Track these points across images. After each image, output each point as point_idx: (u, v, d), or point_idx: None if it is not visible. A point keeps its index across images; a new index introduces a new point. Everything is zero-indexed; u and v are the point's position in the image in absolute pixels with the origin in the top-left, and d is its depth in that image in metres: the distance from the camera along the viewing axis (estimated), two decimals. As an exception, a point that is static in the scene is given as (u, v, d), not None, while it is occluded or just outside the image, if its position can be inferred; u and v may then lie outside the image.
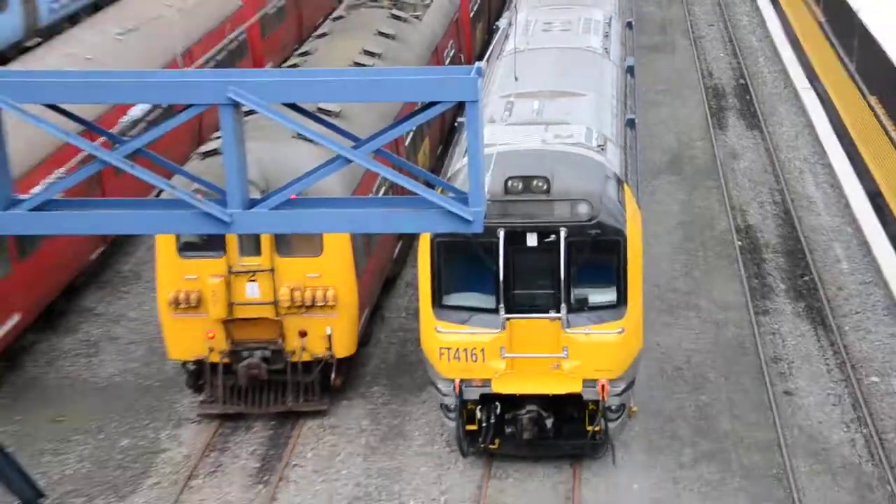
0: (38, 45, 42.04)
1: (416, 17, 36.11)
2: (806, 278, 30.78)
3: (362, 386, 26.49)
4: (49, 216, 16.38)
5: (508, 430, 22.86)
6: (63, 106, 16.14)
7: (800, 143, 40.06)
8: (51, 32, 45.95)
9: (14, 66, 32.98)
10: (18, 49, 44.90)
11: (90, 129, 17.15)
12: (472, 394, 22.58)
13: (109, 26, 36.47)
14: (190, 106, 16.61)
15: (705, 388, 26.00)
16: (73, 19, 48.87)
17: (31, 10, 47.51)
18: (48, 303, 28.93)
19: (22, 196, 16.09)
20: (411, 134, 30.69)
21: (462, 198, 15.43)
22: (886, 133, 36.85)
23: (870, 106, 39.56)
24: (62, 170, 25.83)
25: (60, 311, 29.86)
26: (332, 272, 24.51)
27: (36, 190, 16.33)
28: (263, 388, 25.21)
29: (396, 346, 27.99)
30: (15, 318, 26.66)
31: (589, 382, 22.23)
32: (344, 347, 25.05)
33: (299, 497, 22.85)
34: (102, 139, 17.49)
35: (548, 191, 21.98)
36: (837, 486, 22.48)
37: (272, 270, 24.35)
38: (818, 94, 42.71)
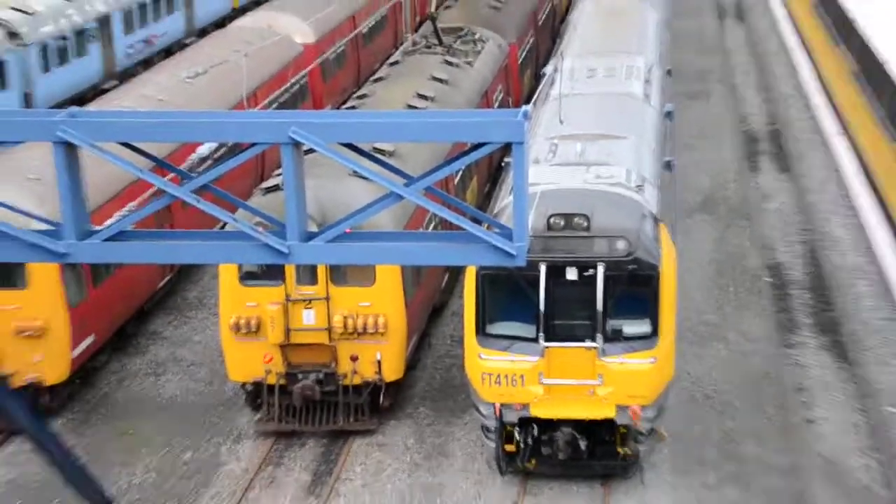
0: (115, 87, 42.80)
1: (468, 63, 36.46)
2: (830, 314, 30.92)
3: (409, 407, 26.78)
4: (122, 246, 16.94)
5: (545, 450, 23.07)
6: (136, 144, 16.79)
7: (828, 186, 40.15)
8: (126, 76, 46.66)
9: (92, 107, 33.39)
10: (96, 91, 45.72)
11: (160, 165, 17.70)
12: (512, 416, 22.82)
13: (180, 70, 36.78)
14: (254, 144, 17.31)
15: (731, 414, 26.15)
16: (146, 63, 49.49)
17: (108, 55, 48.32)
18: (120, 326, 29.35)
19: (97, 227, 16.74)
20: (461, 172, 30.91)
21: (507, 233, 15.94)
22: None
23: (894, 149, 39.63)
24: (134, 203, 26.18)
25: (131, 333, 30.31)
26: (382, 301, 24.77)
27: (110, 222, 16.86)
28: (316, 408, 25.48)
29: (442, 371, 28.28)
30: (89, 340, 27.05)
31: (622, 408, 22.43)
32: (392, 372, 25.30)
33: (351, 512, 23.22)
34: (172, 175, 18.04)
35: (588, 228, 22.22)
36: (855, 510, 22.76)
37: (327, 299, 24.64)
38: (847, 142, 42.78)
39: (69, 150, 15.80)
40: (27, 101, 43.14)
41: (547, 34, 51.63)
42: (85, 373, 27.81)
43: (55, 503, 23.51)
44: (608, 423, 22.86)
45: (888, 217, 35.17)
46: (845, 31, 49.84)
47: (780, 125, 47.40)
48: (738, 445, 25.02)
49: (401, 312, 25.19)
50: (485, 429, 23.49)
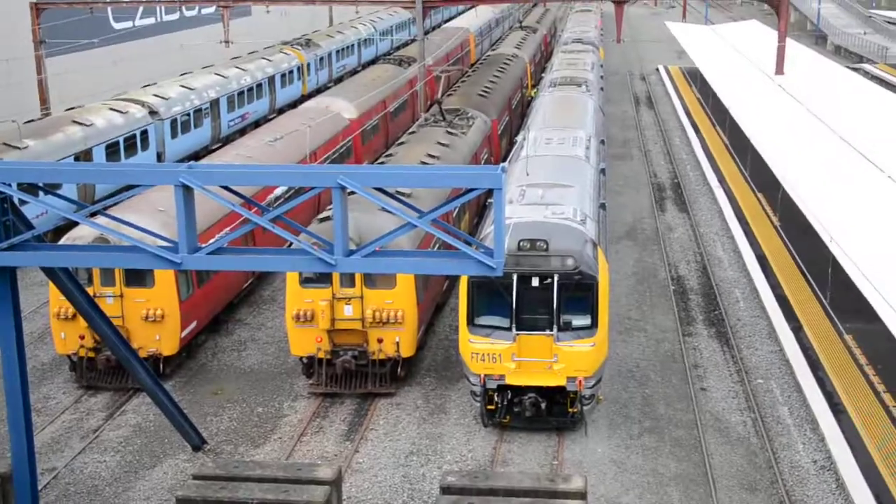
0: (219, 148, 42.78)
1: (463, 133, 36.26)
2: (716, 312, 30.59)
3: (418, 377, 26.36)
4: (219, 258, 16.57)
5: (516, 409, 22.93)
6: (232, 187, 16.37)
7: (714, 224, 39.81)
8: (228, 140, 46.71)
9: (203, 162, 33.55)
10: (207, 150, 45.93)
11: (248, 202, 17.33)
12: (492, 384, 22.67)
13: (264, 136, 36.87)
14: (313, 188, 16.82)
15: (648, 384, 25.85)
16: (241, 132, 49.69)
17: (216, 126, 48.71)
18: (215, 315, 29.12)
19: (203, 245, 16.27)
20: (457, 209, 30.39)
21: (489, 252, 15.53)
22: (768, 216, 36.88)
23: (757, 198, 39.78)
24: (228, 228, 26.00)
25: (222, 320, 30.01)
26: (401, 300, 24.56)
27: (211, 241, 16.43)
28: (352, 376, 25.18)
29: (443, 350, 27.83)
30: (193, 325, 26.89)
31: (571, 379, 22.32)
32: (407, 350, 25.06)
33: (374, 451, 22.74)
34: (255, 209, 17.64)
35: (546, 249, 22.12)
36: (734, 453, 22.34)
37: (361, 298, 24.39)
38: (725, 190, 42.71)
39: (187, 191, 15.64)
40: (159, 157, 43.34)
41: (518, 114, 51.75)
42: (189, 348, 27.60)
43: (165, 441, 23.16)
44: (561, 390, 22.71)
45: (752, 243, 35.15)
46: (721, 116, 49.96)
47: (679, 179, 47.33)
48: (653, 407, 24.73)
49: (414, 308, 24.94)
50: (473, 393, 23.40)
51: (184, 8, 68.58)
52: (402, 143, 35.12)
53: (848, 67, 65.55)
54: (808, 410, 23.77)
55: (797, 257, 32.40)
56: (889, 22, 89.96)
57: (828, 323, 27.26)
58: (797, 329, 27.62)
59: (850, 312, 25.71)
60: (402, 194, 22.70)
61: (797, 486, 20.93)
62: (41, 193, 17.69)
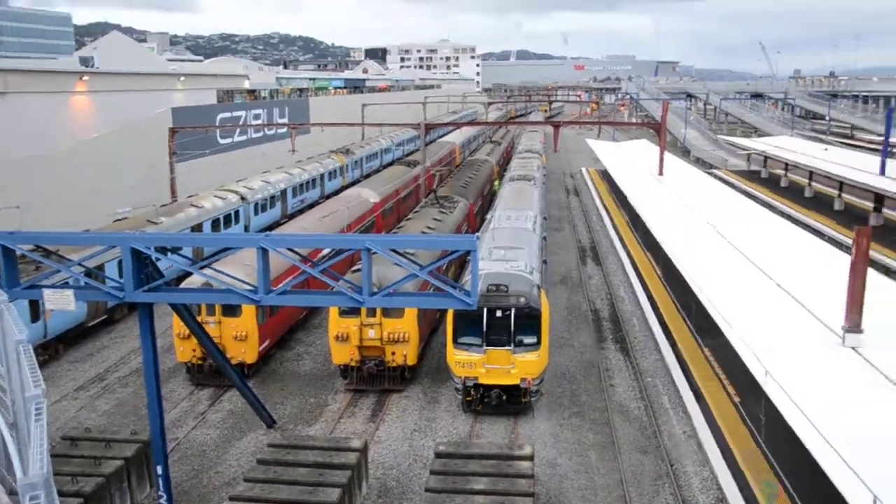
0: (285, 223, 42.77)
1: (451, 211, 36.22)
2: (620, 333, 30.44)
3: (420, 378, 26.12)
4: (285, 297, 16.54)
5: (485, 400, 22.65)
6: (294, 249, 16.40)
7: (619, 274, 39.70)
8: (291, 217, 46.77)
9: (275, 232, 33.25)
10: (277, 224, 46.16)
11: (305, 259, 17.30)
12: (470, 383, 22.42)
13: (316, 214, 36.77)
14: (349, 249, 16.83)
15: (574, 382, 25.68)
16: (301, 211, 49.68)
17: (284, 207, 48.64)
18: (281, 335, 28.85)
19: (274, 288, 16.25)
20: (447, 264, 30.27)
21: (468, 293, 15.50)
22: (653, 268, 36.88)
23: (647, 256, 39.81)
24: (291, 276, 25.88)
25: (286, 339, 29.77)
26: (407, 326, 24.25)
27: (280, 285, 16.42)
28: (374, 378, 24.86)
29: (436, 360, 27.54)
30: (267, 342, 26.66)
31: (523, 379, 22.09)
32: (411, 360, 24.71)
33: (389, 428, 22.51)
34: (310, 263, 17.60)
35: (507, 291, 22.00)
36: (632, 428, 22.25)
37: (380, 324, 24.13)
38: (627, 253, 42.67)
39: (264, 252, 15.52)
40: (246, 229, 43.10)
41: (488, 199, 51.62)
42: (264, 358, 27.38)
43: (249, 421, 22.96)
44: (516, 387, 22.46)
45: (643, 287, 35.09)
46: (622, 202, 50.11)
47: (595, 244, 47.31)
48: (578, 398, 24.58)
49: (416, 331, 24.68)
50: (456, 389, 23.09)
51: (265, 129, 69.21)
52: (409, 218, 35.11)
53: (704, 171, 66.15)
54: (679, 398, 23.79)
55: (672, 296, 32.52)
56: (728, 143, 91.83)
57: (692, 340, 27.36)
58: (673, 344, 27.62)
59: (706, 332, 25.74)
60: (409, 254, 22.77)
61: (673, 448, 20.94)
62: (169, 253, 17.73)
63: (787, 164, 63.27)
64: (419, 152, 53.70)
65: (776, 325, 19.59)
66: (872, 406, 14.77)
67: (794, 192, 60.02)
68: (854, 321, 17.90)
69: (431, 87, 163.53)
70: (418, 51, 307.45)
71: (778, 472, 17.28)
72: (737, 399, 21.41)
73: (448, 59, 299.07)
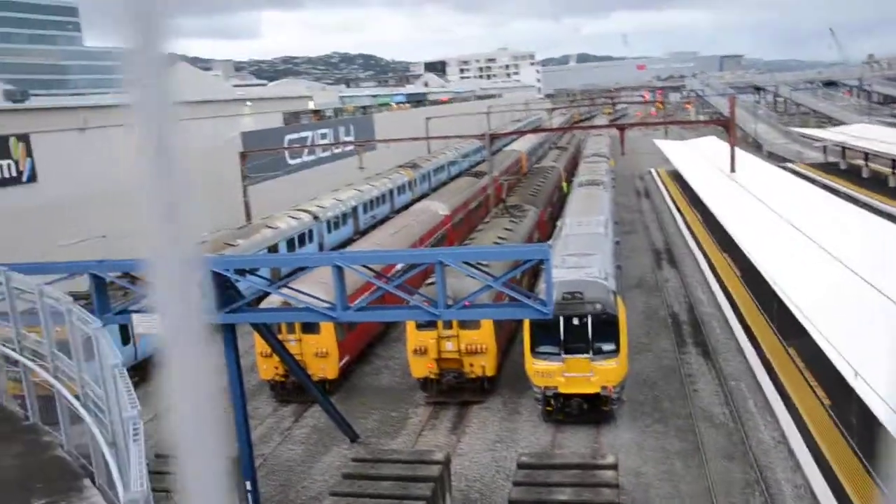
0: (357, 239, 43.29)
1: (521, 220, 36.16)
2: (701, 336, 29.86)
3: (499, 388, 25.99)
4: (363, 313, 16.78)
5: (566, 409, 22.47)
6: (368, 265, 16.59)
7: (696, 275, 38.89)
8: (364, 233, 47.25)
9: (349, 249, 33.59)
10: (350, 241, 46.42)
11: (379, 275, 17.50)
12: (550, 392, 22.30)
13: (388, 230, 37.06)
14: (422, 263, 16.93)
15: (656, 388, 25.27)
16: (373, 227, 50.24)
17: (356, 224, 49.31)
18: (361, 350, 29.12)
19: (351, 304, 16.51)
20: (520, 273, 30.20)
21: (543, 302, 15.42)
22: (731, 268, 36.11)
23: (723, 256, 38.94)
24: (368, 293, 26.19)
25: (366, 353, 30.01)
26: (484, 337, 24.22)
27: (357, 301, 16.68)
28: (454, 390, 24.90)
29: (515, 370, 27.20)
30: (347, 357, 27.02)
31: (603, 387, 21.86)
32: (490, 371, 24.66)
33: (470, 440, 22.54)
34: (384, 279, 17.83)
35: (583, 298, 21.86)
36: (718, 434, 21.77)
37: (457, 336, 24.19)
38: (703, 254, 41.86)
39: (339, 270, 15.73)
40: (320, 247, 43.58)
41: (557, 205, 51.26)
42: (345, 374, 27.61)
43: (332, 436, 23.24)
44: (597, 395, 22.18)
45: (722, 289, 34.36)
46: (695, 201, 49.27)
47: (670, 245, 46.50)
48: (660, 404, 24.19)
49: (493, 342, 24.63)
50: (536, 399, 23.00)
51: (332, 148, 70.40)
52: (480, 230, 35.17)
53: (777, 166, 64.37)
54: (766, 402, 23.13)
55: (753, 297, 31.73)
56: (802, 135, 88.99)
57: (777, 341, 26.61)
58: (757, 347, 26.91)
59: (791, 333, 25.03)
60: (482, 265, 22.87)
61: (762, 455, 20.36)
62: (247, 274, 18.19)
63: (866, 154, 61.01)
64: (486, 163, 53.78)
65: (864, 323, 18.89)
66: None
67: (876, 183, 57.78)
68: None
69: (493, 96, 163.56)
70: (477, 61, 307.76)
71: (875, 478, 16.63)
72: (827, 402, 20.71)
73: (507, 67, 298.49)
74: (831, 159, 71.28)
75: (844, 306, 20.41)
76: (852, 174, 63.07)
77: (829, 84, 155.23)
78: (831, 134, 76.57)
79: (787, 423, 21.19)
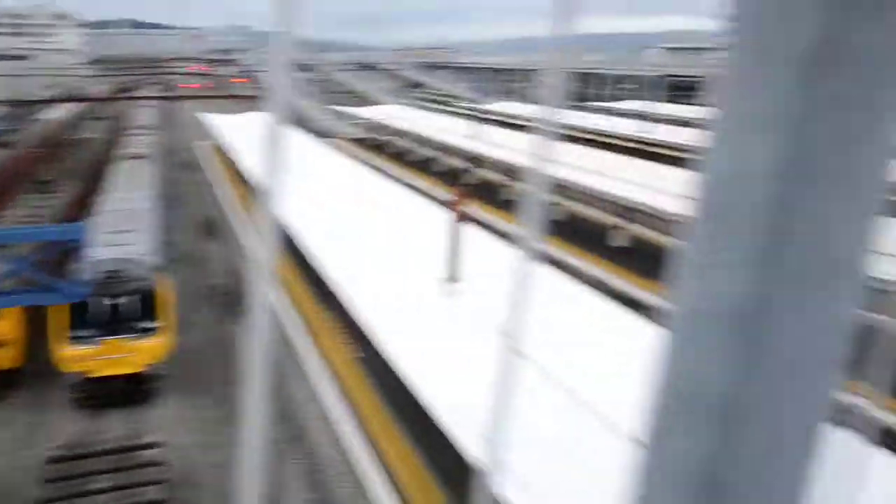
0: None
1: (56, 196, 33.00)
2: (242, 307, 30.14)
3: (30, 380, 23.16)
4: None
5: (105, 394, 20.98)
6: None
7: (239, 248, 39.36)
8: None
9: None
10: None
11: None
12: (88, 378, 20.69)
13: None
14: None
15: (203, 361, 24.63)
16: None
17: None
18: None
19: None
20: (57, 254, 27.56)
21: (77, 284, 14.31)
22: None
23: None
24: None
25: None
26: (8, 327, 21.32)
27: None
28: None
29: (48, 357, 25.19)
30: None
31: (146, 366, 21.06)
32: (17, 362, 21.92)
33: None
34: None
35: (122, 277, 20.79)
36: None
37: None
38: (245, 225, 41.86)
39: None
40: None
41: (100, 180, 47.50)
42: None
43: None
44: (138, 375, 21.30)
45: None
46: (240, 176, 49.42)
47: (217, 220, 45.43)
48: (206, 375, 23.47)
49: (19, 332, 21.73)
50: (71, 387, 21.13)
51: None
52: (7, 208, 31.30)
53: (319, 141, 68.17)
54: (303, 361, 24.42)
55: (299, 267, 33.17)
56: (341, 113, 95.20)
57: (314, 304, 28.23)
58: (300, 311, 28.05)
59: (325, 298, 26.84)
60: (6, 247, 20.42)
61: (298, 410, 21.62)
62: None
63: (397, 131, 67.91)
64: (10, 132, 47.92)
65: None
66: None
67: (398, 157, 64.80)
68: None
69: (21, 58, 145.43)
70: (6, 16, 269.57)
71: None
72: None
73: (45, 26, 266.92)
74: (366, 136, 77.99)
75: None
76: (380, 149, 69.94)
77: (369, 67, 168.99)
78: (368, 112, 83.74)
79: (320, 379, 22.84)
